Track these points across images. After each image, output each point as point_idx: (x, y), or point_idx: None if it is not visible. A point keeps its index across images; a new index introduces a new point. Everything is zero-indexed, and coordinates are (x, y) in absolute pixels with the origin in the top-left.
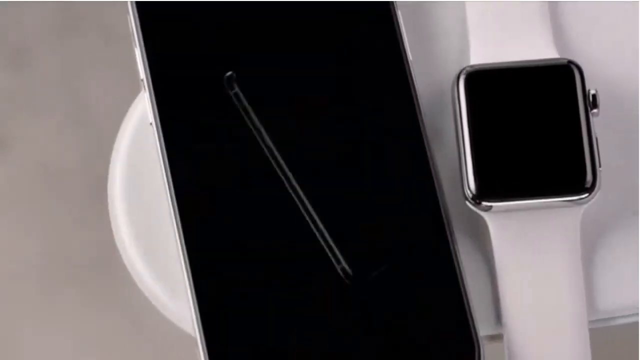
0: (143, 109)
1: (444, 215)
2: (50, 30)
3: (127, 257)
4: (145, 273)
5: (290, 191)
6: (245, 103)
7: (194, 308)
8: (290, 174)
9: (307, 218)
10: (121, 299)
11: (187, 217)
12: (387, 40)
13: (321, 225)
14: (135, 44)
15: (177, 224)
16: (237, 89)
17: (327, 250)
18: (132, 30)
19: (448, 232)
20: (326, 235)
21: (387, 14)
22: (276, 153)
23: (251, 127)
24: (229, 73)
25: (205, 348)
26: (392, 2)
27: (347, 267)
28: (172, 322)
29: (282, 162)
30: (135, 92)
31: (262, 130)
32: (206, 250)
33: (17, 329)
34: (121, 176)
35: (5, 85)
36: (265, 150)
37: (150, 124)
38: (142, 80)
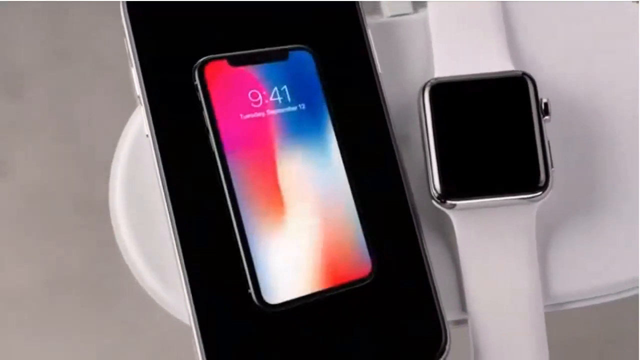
0: (140, 122)
1: (412, 213)
2: (43, 58)
3: (128, 256)
4: (145, 271)
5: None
6: (201, 97)
7: (189, 301)
8: (236, 176)
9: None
10: (116, 305)
11: (181, 216)
12: (358, 56)
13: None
14: (132, 64)
15: (172, 224)
16: (197, 81)
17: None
18: (129, 52)
19: (416, 228)
20: (251, 262)
21: (358, 31)
22: (216, 154)
23: (205, 122)
24: (200, 61)
25: (199, 335)
26: (363, 21)
27: (253, 294)
28: (170, 313)
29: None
30: (124, 114)
31: (210, 129)
32: (199, 246)
33: (19, 332)
34: (121, 181)
35: (1, 112)
36: (214, 148)
37: (147, 135)
38: (138, 96)
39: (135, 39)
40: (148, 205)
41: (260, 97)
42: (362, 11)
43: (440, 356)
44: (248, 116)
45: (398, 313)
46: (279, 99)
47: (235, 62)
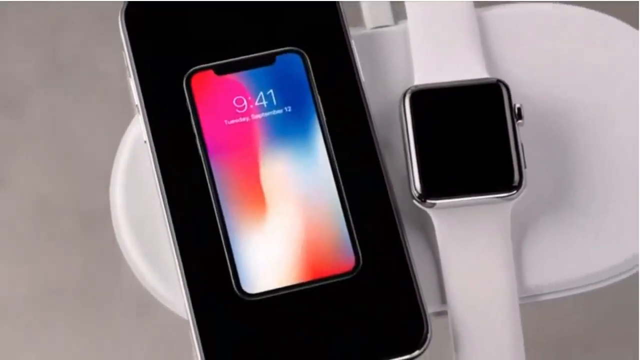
0: (138, 129)
1: (395, 213)
2: (39, 79)
3: (129, 256)
4: (146, 270)
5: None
6: (189, 106)
7: (186, 295)
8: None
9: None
10: (116, 308)
11: (177, 216)
12: (343, 66)
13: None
14: (130, 76)
15: (169, 223)
16: (185, 92)
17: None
18: (127, 65)
19: (399, 226)
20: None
21: (343, 45)
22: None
23: (193, 129)
24: (188, 72)
25: (196, 328)
26: (347, 34)
27: (233, 283)
28: (169, 308)
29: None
30: (120, 125)
31: (196, 135)
32: (194, 244)
33: (18, 336)
34: (121, 184)
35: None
36: (200, 152)
37: (145, 141)
38: (136, 105)
39: (133, 53)
40: (147, 206)
41: (245, 102)
42: (345, 21)
43: (422, 345)
44: (232, 121)
45: (382, 304)
46: (264, 103)
47: (221, 70)
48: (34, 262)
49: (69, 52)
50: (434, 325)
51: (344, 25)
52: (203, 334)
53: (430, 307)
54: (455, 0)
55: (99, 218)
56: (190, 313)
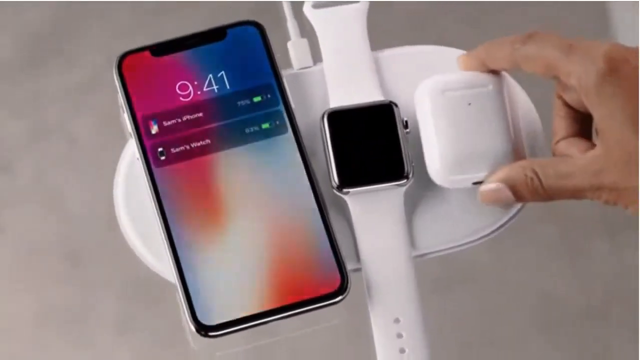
0: (132, 150)
1: (321, 200)
2: (27, 142)
3: (131, 242)
4: (144, 250)
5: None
6: (122, 99)
7: (174, 267)
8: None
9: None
10: (101, 336)
11: (165, 215)
12: (281, 99)
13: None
14: (123, 111)
15: (159, 219)
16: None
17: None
18: (121, 103)
19: (324, 208)
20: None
21: (280, 85)
22: None
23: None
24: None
25: (183, 290)
26: (282, 79)
27: None
28: (160, 275)
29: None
30: (92, 183)
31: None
32: (177, 236)
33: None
34: (122, 189)
35: None
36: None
37: (137, 158)
38: (129, 132)
39: (124, 94)
40: (142, 204)
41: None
42: (277, 67)
43: (344, 291)
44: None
45: (313, 263)
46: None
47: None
48: (29, 294)
49: (51, 119)
50: (352, 278)
51: (277, 70)
52: (185, 287)
53: (348, 264)
54: (357, 46)
55: (82, 256)
56: (178, 279)
